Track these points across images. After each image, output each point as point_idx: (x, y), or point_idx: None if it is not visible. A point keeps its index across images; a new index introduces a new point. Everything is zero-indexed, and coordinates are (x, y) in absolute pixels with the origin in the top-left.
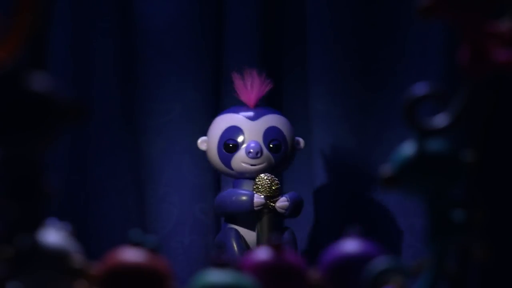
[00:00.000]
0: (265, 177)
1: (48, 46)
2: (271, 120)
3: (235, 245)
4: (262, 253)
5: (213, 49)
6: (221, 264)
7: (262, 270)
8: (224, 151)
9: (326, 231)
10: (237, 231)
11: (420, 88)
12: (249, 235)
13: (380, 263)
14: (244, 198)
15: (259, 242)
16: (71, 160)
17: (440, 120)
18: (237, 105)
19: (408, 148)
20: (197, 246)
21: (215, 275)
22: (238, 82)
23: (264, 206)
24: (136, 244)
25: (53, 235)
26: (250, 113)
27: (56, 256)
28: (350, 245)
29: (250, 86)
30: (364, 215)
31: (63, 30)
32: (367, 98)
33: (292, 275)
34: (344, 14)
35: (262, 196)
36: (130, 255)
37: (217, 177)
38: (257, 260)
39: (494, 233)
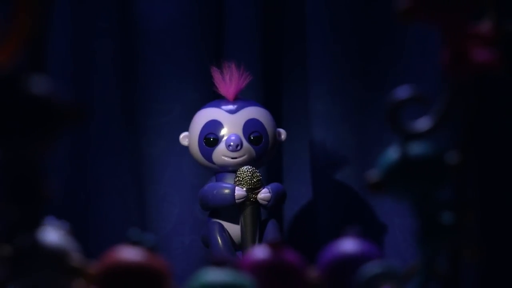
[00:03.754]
0: (246, 170)
1: (48, 47)
2: (251, 112)
3: (219, 239)
4: (261, 252)
5: (213, 49)
6: (219, 263)
7: (260, 269)
8: (205, 145)
9: (325, 230)
10: (220, 225)
11: (403, 92)
12: (233, 229)
13: (373, 267)
14: (225, 191)
15: (243, 235)
16: (71, 160)
17: (423, 123)
18: (217, 100)
19: (392, 153)
20: (197, 246)
21: (213, 274)
22: (216, 76)
23: (246, 198)
24: (134, 243)
25: (51, 234)
26: (230, 106)
27: (54, 255)
28: (349, 245)
29: (229, 80)
30: (364, 215)
31: (63, 30)
32: (367, 98)
33: (290, 274)
34: (344, 14)
35: (244, 189)
36: (128, 254)
37: None
38: (256, 259)
39: (487, 234)
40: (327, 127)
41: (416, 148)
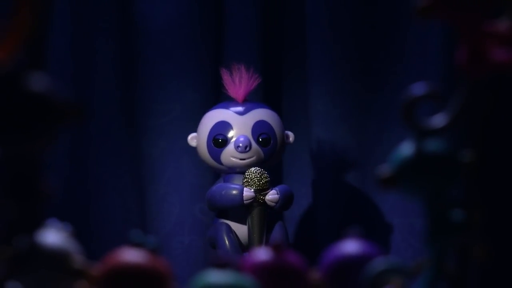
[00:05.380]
0: (254, 171)
1: (48, 46)
2: (259, 114)
3: (226, 240)
4: (262, 254)
5: (213, 49)
6: (221, 264)
7: (262, 271)
8: (213, 146)
9: (325, 231)
10: (228, 226)
11: (418, 88)
12: (240, 229)
13: (380, 263)
14: (234, 192)
15: (250, 236)
16: (71, 160)
17: (438, 120)
18: (226, 101)
19: (406, 148)
20: (197, 246)
21: (215, 276)
22: (226, 78)
23: (254, 199)
24: (136, 244)
25: (53, 236)
26: (239, 108)
27: (56, 256)
28: (350, 246)
29: (238, 81)
30: (364, 215)
31: (63, 30)
32: (366, 98)
33: (292, 276)
34: (344, 15)
35: (252, 190)
36: (130, 255)
37: (217, 177)
38: (257, 260)
39: (494, 233)
40: (327, 127)
41: (430, 145)
